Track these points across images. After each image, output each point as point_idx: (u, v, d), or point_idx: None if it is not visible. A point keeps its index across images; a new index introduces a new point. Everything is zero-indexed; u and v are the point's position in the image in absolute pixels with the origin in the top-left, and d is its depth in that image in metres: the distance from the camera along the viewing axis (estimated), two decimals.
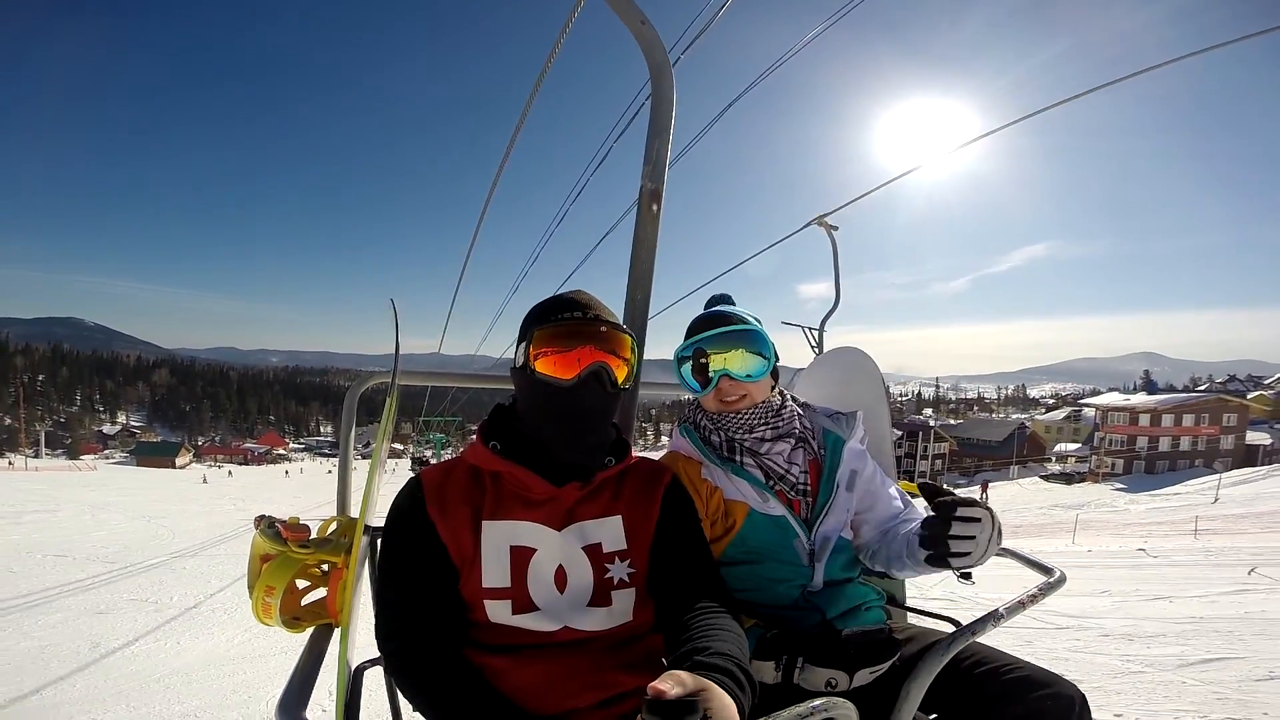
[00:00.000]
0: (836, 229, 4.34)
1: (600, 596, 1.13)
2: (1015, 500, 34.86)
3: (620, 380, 1.20)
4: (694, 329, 1.50)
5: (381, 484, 1.39)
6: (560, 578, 1.13)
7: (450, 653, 1.06)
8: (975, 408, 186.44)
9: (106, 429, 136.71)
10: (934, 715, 1.25)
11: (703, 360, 1.47)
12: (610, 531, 1.18)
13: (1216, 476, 36.68)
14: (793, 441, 1.46)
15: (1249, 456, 47.90)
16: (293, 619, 1.33)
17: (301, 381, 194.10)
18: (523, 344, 1.19)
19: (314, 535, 1.39)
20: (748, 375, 1.44)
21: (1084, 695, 1.14)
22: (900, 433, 63.88)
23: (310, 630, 1.32)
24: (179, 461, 78.38)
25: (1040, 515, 26.27)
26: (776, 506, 1.39)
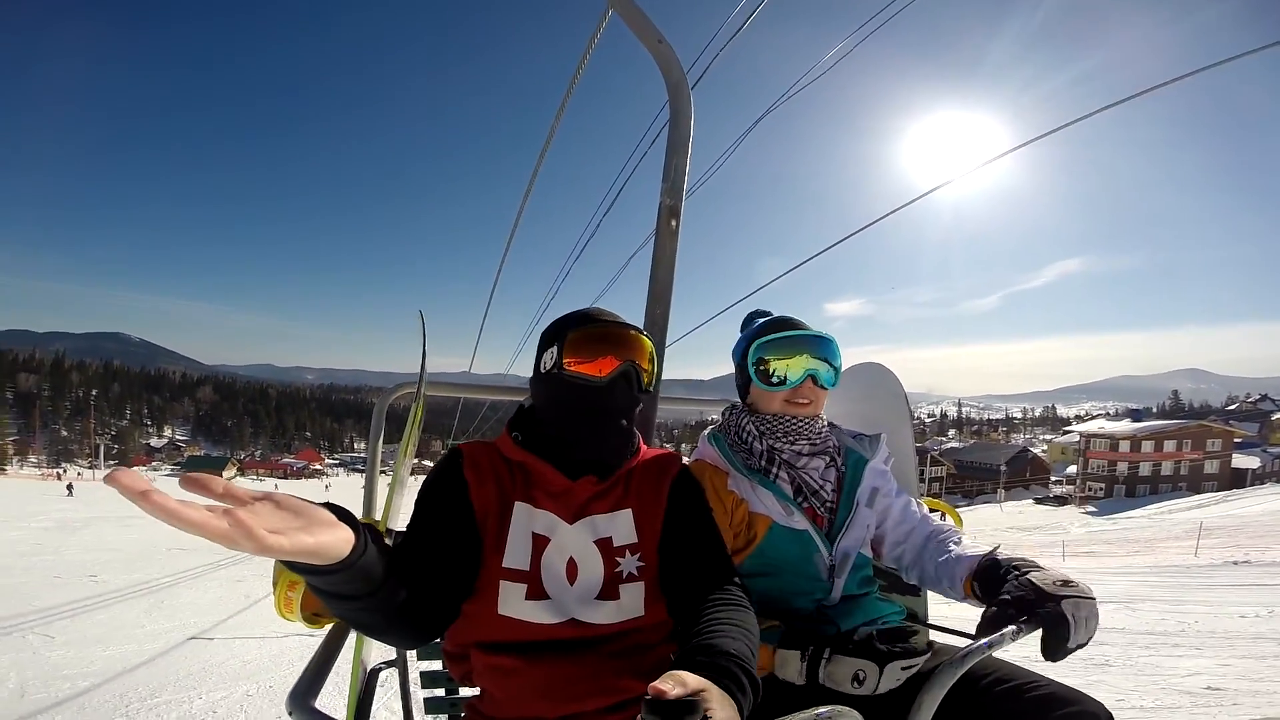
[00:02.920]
0: None
1: (609, 590, 1.13)
2: (982, 521, 37.47)
3: (645, 383, 1.24)
4: (772, 327, 1.49)
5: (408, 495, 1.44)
6: (571, 570, 1.14)
7: (413, 573, 0.98)
8: (1002, 428, 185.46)
9: (154, 442, 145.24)
10: None
11: (784, 359, 1.45)
12: (621, 525, 1.19)
13: (1183, 500, 39.20)
14: (827, 459, 1.47)
15: (1237, 479, 49.53)
16: (313, 615, 1.35)
17: (336, 399, 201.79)
18: (551, 348, 1.23)
19: None
20: (829, 383, 1.46)
21: (1110, 714, 1.09)
22: None
23: (329, 627, 1.35)
24: (225, 474, 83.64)
25: (993, 536, 28.94)
26: (800, 520, 1.38)
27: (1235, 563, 14.11)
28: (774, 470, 1.43)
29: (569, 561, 1.15)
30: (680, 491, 1.27)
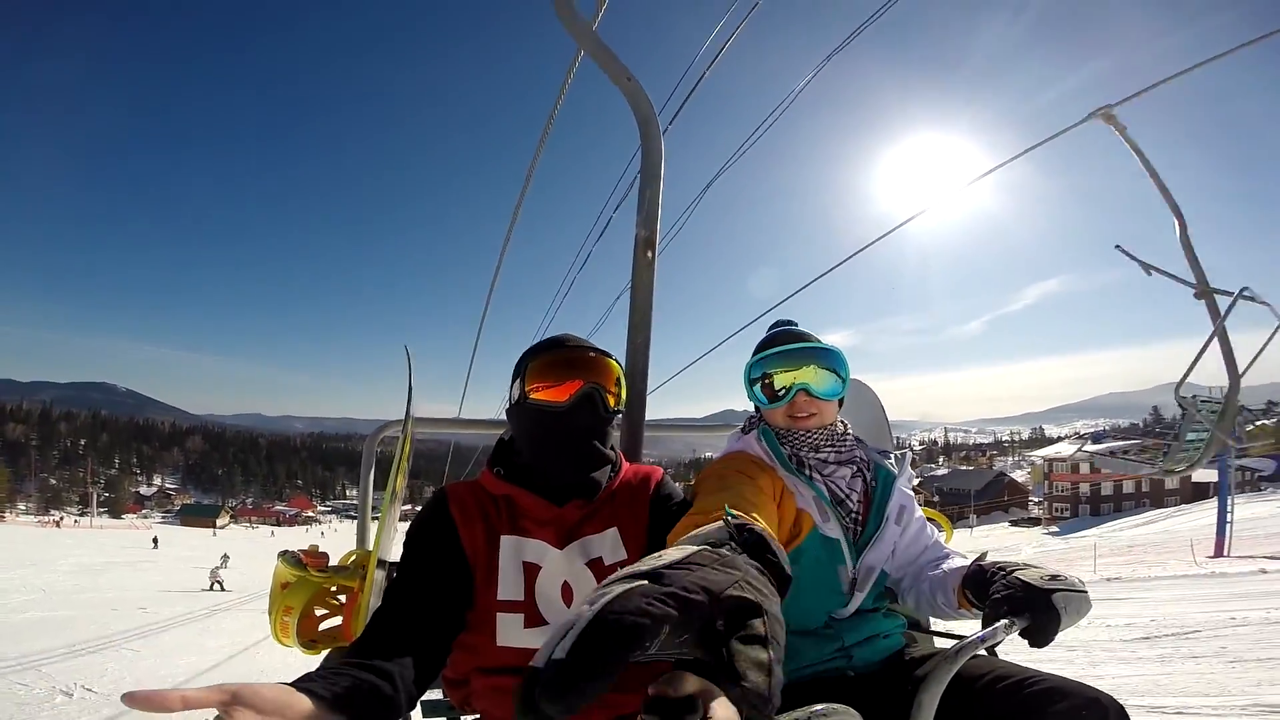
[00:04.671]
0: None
1: None
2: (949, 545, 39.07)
3: (611, 404, 1.26)
4: (767, 344, 1.49)
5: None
6: (567, 594, 1.17)
7: (402, 646, 1.00)
8: (991, 452, 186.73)
9: (144, 490, 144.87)
10: None
11: (774, 374, 1.45)
12: (610, 544, 1.21)
13: (1133, 517, 41.46)
14: (854, 469, 1.45)
15: (1199, 492, 50.47)
16: (310, 641, 1.40)
17: (327, 447, 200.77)
18: (517, 380, 1.26)
19: (334, 564, 1.47)
20: (824, 393, 1.42)
21: (1120, 705, 1.07)
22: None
23: (326, 653, 1.37)
24: (219, 522, 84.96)
25: None
26: (834, 529, 1.35)
27: (1108, 579, 15.46)
28: (808, 473, 1.40)
29: (563, 585, 1.18)
30: (661, 501, 1.30)
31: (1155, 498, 52.53)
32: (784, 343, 1.47)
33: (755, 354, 1.50)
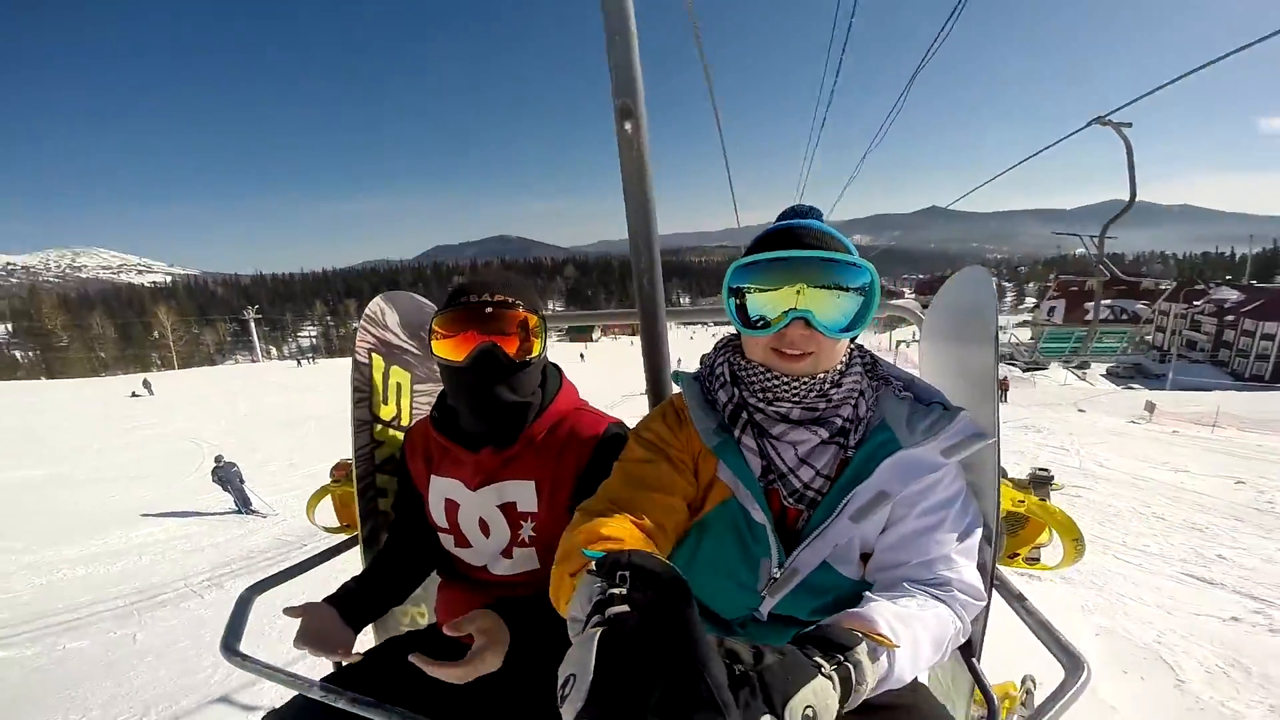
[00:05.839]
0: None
1: (509, 551, 1.29)
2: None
3: (515, 353, 1.23)
4: (763, 244, 0.99)
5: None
6: (484, 528, 1.31)
7: (403, 540, 1.40)
8: None
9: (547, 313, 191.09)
10: None
11: (753, 291, 0.96)
12: (525, 493, 1.28)
13: None
14: (824, 435, 0.99)
15: None
16: (345, 526, 1.75)
17: (664, 260, 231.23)
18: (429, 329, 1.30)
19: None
20: (830, 326, 0.93)
21: None
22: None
23: (345, 536, 1.71)
24: (594, 336, 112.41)
25: None
26: (760, 512, 0.98)
27: None
28: (737, 433, 1.01)
29: (480, 521, 1.31)
30: (600, 462, 1.22)
31: None
32: (779, 246, 0.96)
33: (744, 254, 0.99)
